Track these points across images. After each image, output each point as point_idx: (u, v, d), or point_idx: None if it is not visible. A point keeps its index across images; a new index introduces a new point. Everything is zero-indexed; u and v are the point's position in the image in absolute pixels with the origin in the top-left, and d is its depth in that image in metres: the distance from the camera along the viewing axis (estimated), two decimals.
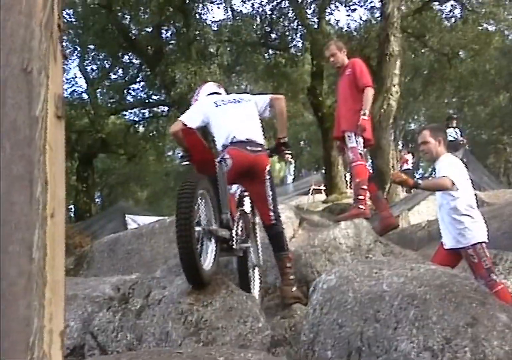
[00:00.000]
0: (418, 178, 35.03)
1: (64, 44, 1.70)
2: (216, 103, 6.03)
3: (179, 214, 4.57)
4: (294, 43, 21.65)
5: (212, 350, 3.48)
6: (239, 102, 6.07)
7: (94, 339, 4.76)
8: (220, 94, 6.34)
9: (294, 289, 5.72)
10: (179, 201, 4.59)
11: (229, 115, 5.91)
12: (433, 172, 6.10)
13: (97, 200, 34.81)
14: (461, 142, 18.01)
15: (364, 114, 7.65)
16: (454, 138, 18.19)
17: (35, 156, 1.33)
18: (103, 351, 4.65)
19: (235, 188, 5.98)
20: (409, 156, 24.30)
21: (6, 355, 1.23)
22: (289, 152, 6.32)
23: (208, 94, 6.29)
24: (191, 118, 5.95)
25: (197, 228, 4.73)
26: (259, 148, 5.80)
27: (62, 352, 1.29)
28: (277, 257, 5.84)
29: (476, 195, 12.81)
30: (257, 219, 6.11)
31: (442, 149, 5.90)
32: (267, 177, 5.85)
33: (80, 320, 5.08)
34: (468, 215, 5.66)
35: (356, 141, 7.71)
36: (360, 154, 7.72)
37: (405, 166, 24.02)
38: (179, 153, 6.21)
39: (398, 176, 5.89)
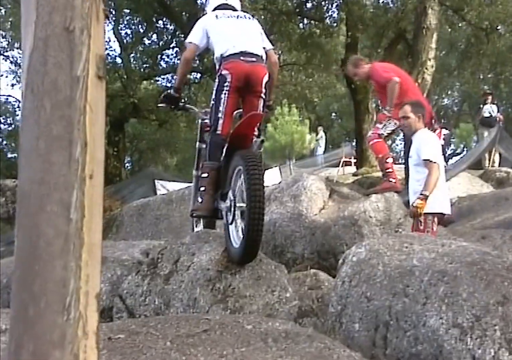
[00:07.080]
0: (448, 155, 34.88)
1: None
2: (217, 16, 5.75)
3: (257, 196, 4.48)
4: (330, 13, 21.40)
5: (240, 318, 3.49)
6: (242, 17, 5.81)
7: (123, 302, 4.81)
8: (229, 5, 5.97)
9: None
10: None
11: (228, 27, 5.65)
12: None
13: (127, 164, 35.04)
14: (497, 119, 17.70)
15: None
16: (490, 114, 17.91)
17: (75, 117, 1.32)
18: (131, 314, 4.70)
19: None
20: (442, 132, 24.12)
21: (42, 315, 1.23)
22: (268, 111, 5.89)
23: (215, 8, 5.95)
24: (196, 37, 5.70)
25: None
26: (253, 59, 5.46)
27: (98, 314, 1.29)
28: None
29: (508, 172, 12.63)
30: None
31: (421, 124, 6.39)
32: (264, 91, 5.49)
33: (109, 283, 5.14)
34: None
35: (384, 125, 8.02)
36: (379, 134, 8.18)
37: None
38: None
39: (415, 212, 5.98)
